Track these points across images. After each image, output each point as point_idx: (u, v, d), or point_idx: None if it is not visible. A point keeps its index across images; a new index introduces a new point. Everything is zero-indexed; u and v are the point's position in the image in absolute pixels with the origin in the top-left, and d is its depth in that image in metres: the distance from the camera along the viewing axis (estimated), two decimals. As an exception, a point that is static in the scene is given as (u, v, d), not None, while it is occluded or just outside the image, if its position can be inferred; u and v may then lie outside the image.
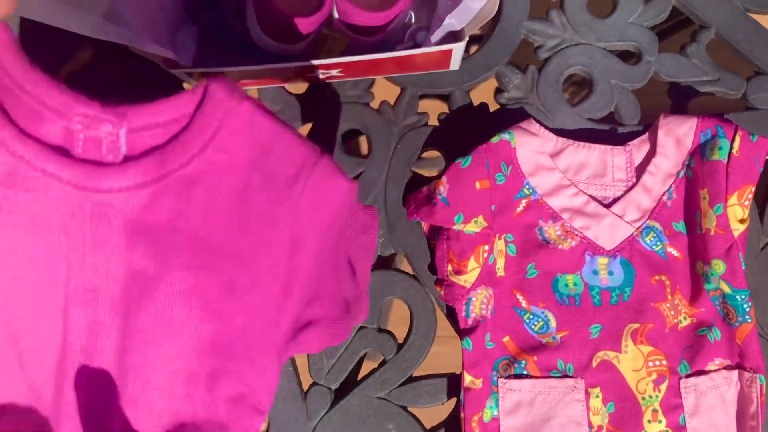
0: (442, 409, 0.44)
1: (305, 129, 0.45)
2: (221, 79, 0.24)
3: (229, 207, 0.24)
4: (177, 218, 0.24)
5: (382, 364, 0.43)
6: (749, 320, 0.40)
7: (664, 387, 0.42)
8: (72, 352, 0.25)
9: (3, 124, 0.23)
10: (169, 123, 0.24)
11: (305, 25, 0.39)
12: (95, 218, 0.24)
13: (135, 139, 0.24)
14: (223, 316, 0.25)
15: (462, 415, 0.42)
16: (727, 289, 0.41)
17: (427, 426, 0.44)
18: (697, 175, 0.41)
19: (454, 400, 0.44)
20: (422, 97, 0.45)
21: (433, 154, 0.45)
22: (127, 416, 0.26)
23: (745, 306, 0.40)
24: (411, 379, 0.43)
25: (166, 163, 0.24)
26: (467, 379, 0.42)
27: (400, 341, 0.44)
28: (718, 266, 0.40)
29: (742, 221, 0.40)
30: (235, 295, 0.25)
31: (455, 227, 0.42)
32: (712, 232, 0.41)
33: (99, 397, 0.26)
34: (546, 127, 0.43)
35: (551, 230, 0.43)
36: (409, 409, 0.43)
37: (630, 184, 0.43)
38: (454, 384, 0.43)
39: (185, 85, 0.44)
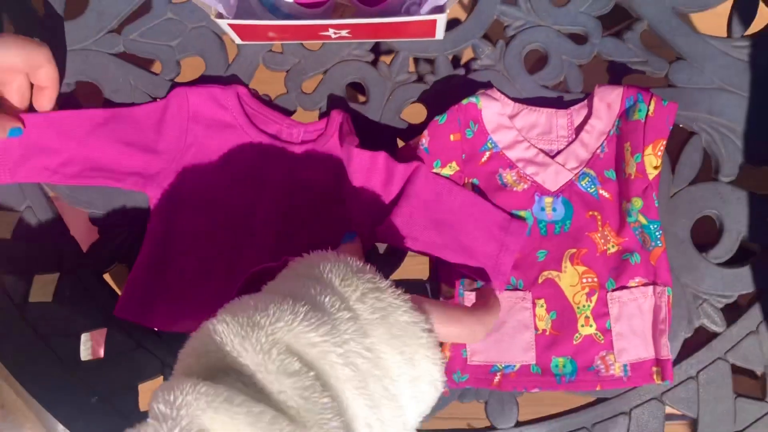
0: None
1: (317, 79, 0.57)
2: (336, 110, 0.55)
3: (340, 160, 0.54)
4: (323, 161, 0.54)
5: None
6: (660, 245, 0.53)
7: (594, 299, 0.53)
8: (267, 212, 0.54)
9: (251, 126, 0.55)
10: (318, 130, 0.55)
11: (324, -7, 0.52)
12: (290, 164, 0.55)
13: (306, 134, 0.55)
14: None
15: None
16: (643, 220, 0.53)
17: None
18: (623, 132, 0.54)
19: None
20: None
21: (417, 106, 0.58)
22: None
23: (657, 234, 0.53)
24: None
25: (318, 144, 0.54)
26: (444, 289, 0.53)
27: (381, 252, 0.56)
28: (637, 202, 0.53)
29: (655, 167, 0.53)
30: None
31: (434, 170, 0.54)
32: (632, 176, 0.53)
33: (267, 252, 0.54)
34: (506, 95, 0.56)
35: (508, 176, 0.56)
36: None
37: (570, 139, 0.55)
38: (420, 289, 0.55)
39: (224, 38, 0.57)
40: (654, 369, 0.53)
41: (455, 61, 0.58)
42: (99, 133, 0.54)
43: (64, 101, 0.57)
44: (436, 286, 0.54)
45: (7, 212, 0.57)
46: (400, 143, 0.56)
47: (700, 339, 0.55)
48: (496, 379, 0.53)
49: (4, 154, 0.54)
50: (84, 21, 0.58)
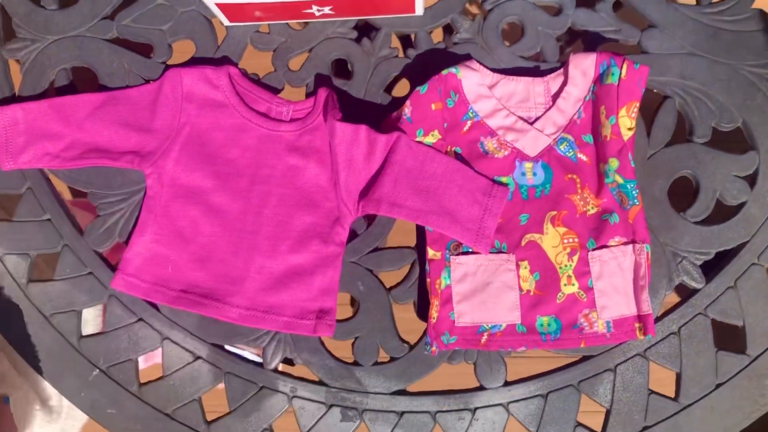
0: (398, 274, 0.58)
1: (303, 56, 0.60)
2: (322, 88, 0.58)
3: (327, 137, 0.56)
4: (311, 142, 0.57)
5: (355, 236, 0.58)
6: (637, 203, 0.55)
7: (576, 258, 0.55)
8: (253, 205, 0.57)
9: (242, 105, 0.58)
10: (306, 108, 0.58)
11: (306, -29, 0.55)
12: (274, 142, 0.58)
13: (295, 113, 0.58)
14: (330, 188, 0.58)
15: (428, 280, 0.55)
16: (620, 180, 0.55)
17: (387, 285, 0.58)
18: (598, 96, 0.56)
19: (407, 267, 0.58)
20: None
21: (403, 82, 0.61)
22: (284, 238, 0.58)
23: (633, 192, 0.55)
24: (376, 250, 0.58)
25: (306, 122, 0.58)
26: (430, 252, 0.56)
27: (369, 222, 0.59)
28: (613, 163, 0.55)
29: (629, 129, 0.55)
30: (330, 171, 0.57)
31: (417, 139, 0.57)
32: (608, 138, 0.56)
33: (268, 228, 0.57)
34: (485, 66, 0.58)
35: (489, 144, 0.58)
36: (374, 272, 0.58)
37: (548, 106, 0.58)
38: (407, 255, 0.58)
39: (213, 21, 0.61)
40: (636, 325, 0.55)
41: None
42: (96, 116, 0.57)
43: (63, 87, 0.60)
44: (423, 253, 0.57)
45: (8, 194, 0.60)
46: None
47: (680, 295, 0.58)
48: (483, 339, 0.55)
49: (9, 142, 0.57)
50: (79, 8, 0.61)
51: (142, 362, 0.59)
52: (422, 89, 0.56)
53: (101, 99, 0.58)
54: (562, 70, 0.58)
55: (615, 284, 0.55)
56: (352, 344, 0.57)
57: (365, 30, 0.61)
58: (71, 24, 0.61)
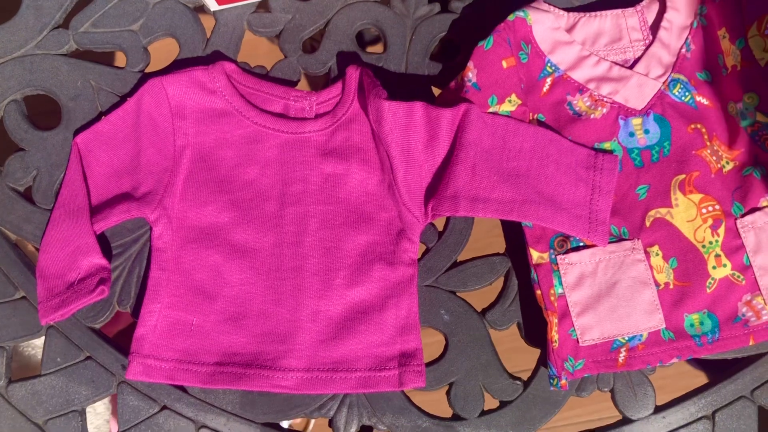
0: (490, 291, 0.48)
1: (319, 33, 0.49)
2: (353, 66, 0.46)
3: (367, 128, 0.46)
4: (348, 140, 0.47)
5: (425, 252, 0.47)
6: (791, 145, 0.44)
7: (722, 231, 0.45)
8: (288, 233, 0.46)
9: (250, 108, 0.47)
10: (334, 97, 0.47)
11: None
12: (301, 148, 0.47)
13: (319, 107, 0.48)
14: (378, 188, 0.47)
15: (538, 292, 0.45)
16: (763, 118, 0.44)
17: (478, 308, 0.47)
18: (712, 18, 0.46)
19: (501, 280, 0.47)
20: None
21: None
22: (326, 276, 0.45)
23: (785, 131, 0.44)
24: (456, 264, 0.47)
25: (336, 115, 0.47)
26: (534, 255, 0.45)
27: (440, 229, 0.48)
28: (752, 99, 0.44)
29: (766, 50, 0.44)
30: (381, 171, 0.46)
31: (490, 110, 0.45)
32: (738, 68, 0.44)
33: (311, 260, 0.45)
34: (555, 6, 0.47)
35: (580, 102, 0.47)
36: (458, 293, 0.47)
37: (647, 42, 0.47)
38: (498, 264, 0.47)
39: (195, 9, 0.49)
40: (818, 304, 0.43)
41: None
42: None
43: (19, 126, 0.48)
44: (520, 257, 0.45)
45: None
46: (437, 92, 0.48)
47: None
48: (621, 356, 0.44)
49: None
50: (20, 21, 0.49)
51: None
52: (486, 44, 0.45)
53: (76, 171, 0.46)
54: (654, -7, 0.47)
55: (780, 255, 0.44)
56: (447, 393, 0.46)
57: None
58: (14, 42, 0.49)
